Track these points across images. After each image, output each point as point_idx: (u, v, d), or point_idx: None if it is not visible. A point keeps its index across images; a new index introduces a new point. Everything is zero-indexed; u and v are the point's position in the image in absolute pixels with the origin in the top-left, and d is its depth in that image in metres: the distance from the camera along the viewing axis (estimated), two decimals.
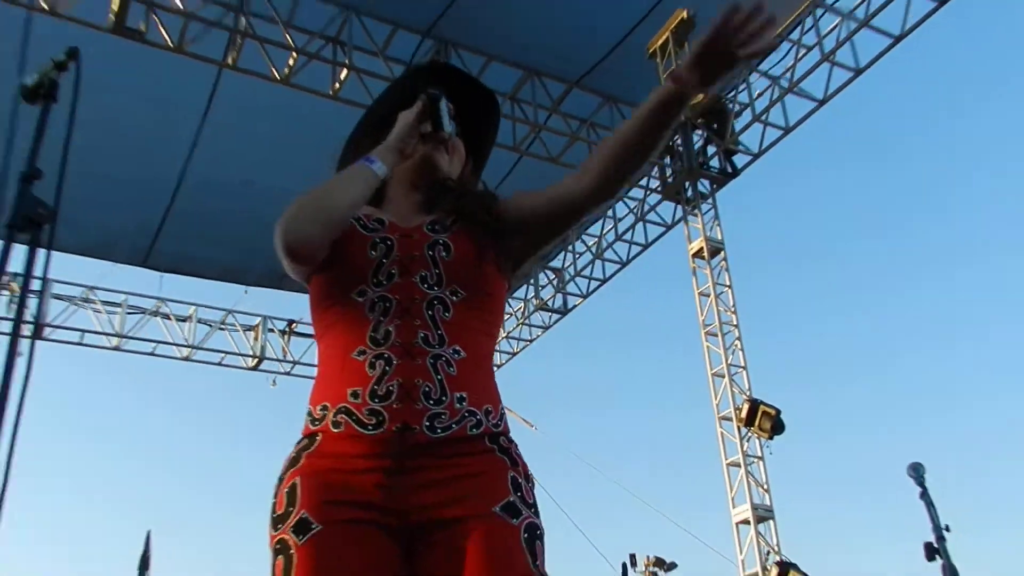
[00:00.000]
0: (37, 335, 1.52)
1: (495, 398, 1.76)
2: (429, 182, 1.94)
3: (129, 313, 12.85)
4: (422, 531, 1.58)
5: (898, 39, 9.13)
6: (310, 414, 1.71)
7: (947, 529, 3.54)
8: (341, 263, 1.75)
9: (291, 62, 8.84)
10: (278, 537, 1.58)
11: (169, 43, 8.25)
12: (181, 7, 8.26)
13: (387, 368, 1.64)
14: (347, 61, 8.94)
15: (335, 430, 1.63)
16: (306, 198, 1.75)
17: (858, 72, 9.54)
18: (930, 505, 3.61)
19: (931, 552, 3.51)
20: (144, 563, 4.92)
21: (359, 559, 1.54)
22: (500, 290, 1.86)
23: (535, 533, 1.61)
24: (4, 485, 1.44)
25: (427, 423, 1.60)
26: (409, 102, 1.96)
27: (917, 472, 3.68)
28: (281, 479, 1.66)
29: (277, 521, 1.60)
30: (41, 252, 1.63)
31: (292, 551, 1.54)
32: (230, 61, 8.57)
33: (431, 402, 1.62)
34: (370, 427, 1.60)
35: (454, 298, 1.74)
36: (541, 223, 1.93)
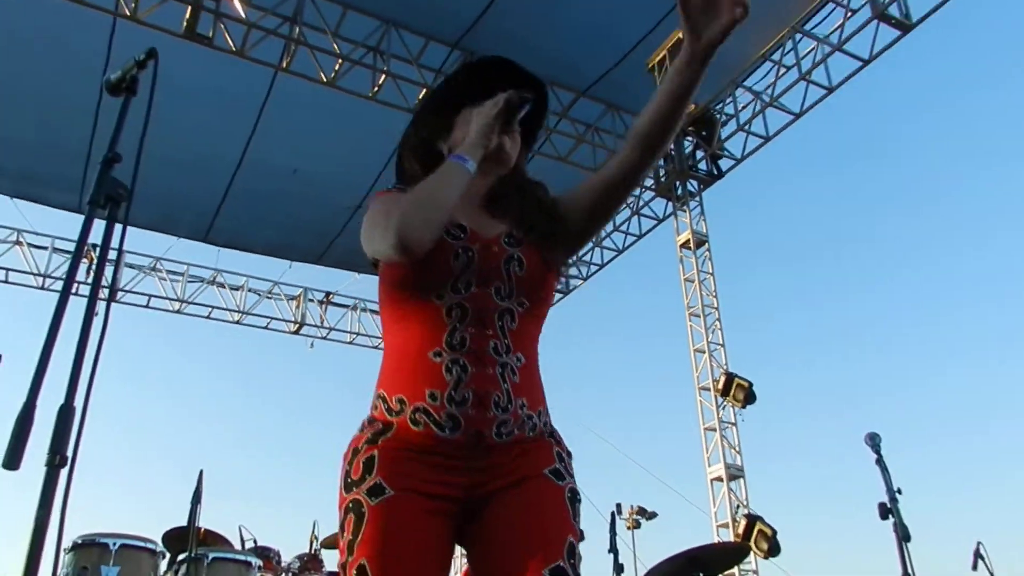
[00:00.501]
0: (111, 298, 1.55)
1: (543, 396, 1.75)
2: (496, 174, 1.86)
3: (189, 282, 12.95)
4: (485, 499, 1.63)
5: (867, 62, 9.16)
6: (385, 401, 1.67)
7: (899, 492, 3.56)
8: (425, 266, 1.65)
9: (337, 67, 8.88)
10: (352, 498, 1.58)
11: (232, 48, 8.33)
12: (244, 17, 8.34)
13: (463, 375, 1.61)
14: (385, 68, 8.99)
15: (414, 427, 1.61)
16: (415, 200, 1.62)
17: (831, 90, 9.57)
18: (884, 470, 3.62)
19: (884, 512, 3.53)
20: (196, 498, 5.04)
21: (425, 525, 1.57)
22: (551, 299, 1.84)
23: (575, 496, 1.67)
24: (81, 422, 1.49)
25: (495, 430, 1.62)
26: (475, 90, 1.86)
27: (873, 440, 3.70)
28: (357, 451, 1.64)
29: (351, 485, 1.60)
30: (117, 227, 1.68)
31: (364, 509, 1.55)
32: (284, 65, 8.63)
33: (499, 410, 1.62)
34: (447, 430, 1.59)
35: (520, 308, 1.71)
36: (599, 201, 1.83)
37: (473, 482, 1.62)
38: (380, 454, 1.61)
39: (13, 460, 1.44)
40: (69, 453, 1.47)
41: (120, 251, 1.64)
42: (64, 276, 1.63)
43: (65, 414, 1.50)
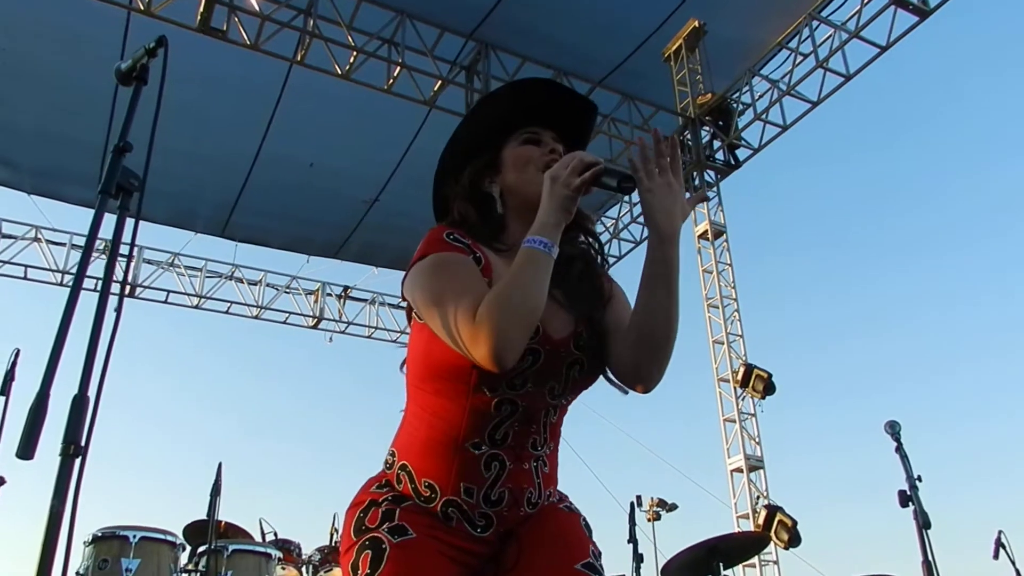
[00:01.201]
0: (125, 292, 1.51)
1: (557, 480, 1.75)
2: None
3: (208, 277, 12.99)
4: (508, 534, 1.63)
5: (884, 49, 9.07)
6: (412, 479, 1.60)
7: (919, 479, 3.54)
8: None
9: (351, 60, 8.86)
10: (368, 536, 1.53)
11: (247, 41, 8.32)
12: (258, 10, 8.34)
13: (500, 473, 1.57)
14: (400, 60, 8.96)
15: (446, 523, 1.57)
16: (509, 307, 1.41)
17: (848, 78, 9.48)
18: (904, 458, 3.59)
19: (904, 499, 3.52)
20: (215, 490, 5.05)
21: (446, 567, 1.53)
22: None
23: (588, 526, 1.70)
24: (94, 412, 1.48)
25: (521, 521, 1.63)
26: (516, 116, 1.74)
27: (893, 429, 3.67)
28: (375, 503, 1.59)
29: (367, 530, 1.54)
30: (131, 220, 1.65)
31: (385, 546, 1.49)
32: (299, 58, 8.62)
33: (530, 506, 1.62)
34: (479, 529, 1.58)
35: (564, 403, 1.66)
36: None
37: (494, 543, 1.63)
38: (402, 511, 1.57)
39: (27, 449, 1.44)
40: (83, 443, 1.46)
41: (132, 243, 1.62)
42: (90, 274, 1.60)
43: (79, 404, 1.50)
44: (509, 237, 1.67)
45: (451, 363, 1.53)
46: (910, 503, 3.41)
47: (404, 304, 1.70)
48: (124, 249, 1.66)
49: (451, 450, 1.57)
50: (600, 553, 1.65)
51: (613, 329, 1.66)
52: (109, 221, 1.63)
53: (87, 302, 1.51)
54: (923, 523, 3.34)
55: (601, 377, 1.66)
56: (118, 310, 1.59)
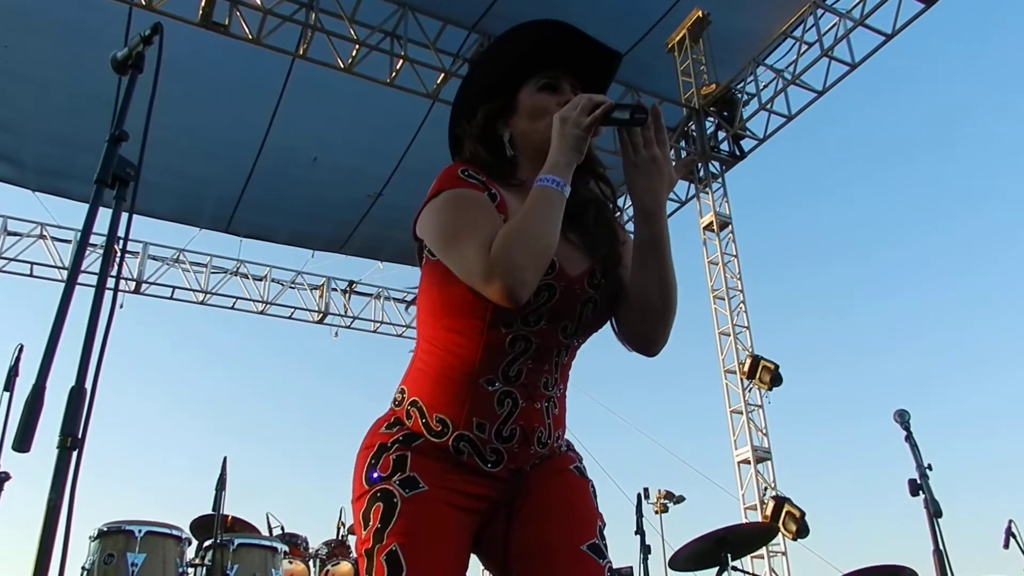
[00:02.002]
0: (118, 285, 1.49)
1: (566, 425, 1.75)
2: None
3: (213, 273, 13.00)
4: (519, 494, 1.64)
5: (890, 36, 9.00)
6: (422, 415, 1.60)
7: (929, 468, 3.51)
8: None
9: (354, 53, 8.83)
10: (379, 487, 1.52)
11: (249, 35, 8.30)
12: (259, 4, 8.31)
13: (513, 410, 1.57)
14: (403, 53, 8.93)
15: (457, 456, 1.57)
16: (522, 243, 1.41)
17: (854, 66, 9.41)
18: (914, 447, 3.56)
19: (915, 488, 3.48)
20: (221, 484, 5.06)
21: (455, 519, 1.54)
22: None
23: (595, 492, 1.72)
24: (90, 403, 1.48)
25: (532, 463, 1.63)
26: (536, 61, 1.71)
27: (903, 418, 3.65)
28: (385, 447, 1.57)
29: (379, 479, 1.53)
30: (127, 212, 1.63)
31: (396, 499, 1.49)
32: (301, 52, 8.59)
33: (540, 446, 1.62)
34: (490, 464, 1.58)
35: (575, 343, 1.67)
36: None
37: (505, 488, 1.63)
38: (413, 455, 1.55)
39: (23, 442, 1.43)
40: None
41: (127, 234, 1.60)
42: (92, 270, 1.59)
43: (76, 396, 1.49)
44: (522, 175, 1.67)
45: (466, 299, 1.52)
46: (920, 492, 3.38)
47: (415, 245, 1.69)
48: (124, 247, 1.64)
49: (464, 386, 1.57)
50: (605, 525, 1.67)
51: (624, 282, 1.67)
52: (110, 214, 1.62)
53: (87, 295, 1.50)
54: (934, 512, 3.31)
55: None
56: (113, 300, 1.57)
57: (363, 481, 1.55)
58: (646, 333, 1.64)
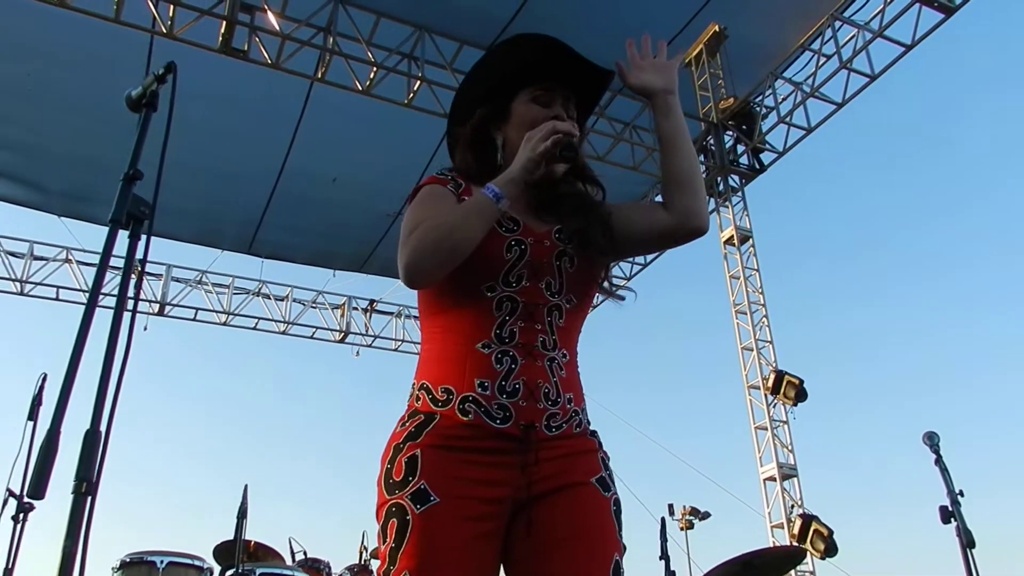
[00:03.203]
0: (133, 326, 1.51)
1: (583, 394, 1.73)
2: (542, 183, 1.74)
3: (235, 294, 13.09)
4: (531, 501, 1.58)
5: (909, 47, 8.91)
6: (428, 392, 1.63)
7: (961, 494, 3.40)
8: (478, 259, 1.61)
9: (372, 75, 8.87)
10: (394, 501, 1.52)
11: (268, 60, 8.37)
12: (278, 29, 8.37)
13: (512, 366, 1.59)
14: (420, 74, 8.96)
15: (463, 417, 1.57)
16: (432, 232, 1.57)
17: (873, 78, 9.32)
18: (944, 471, 3.45)
19: (946, 515, 3.38)
20: (242, 513, 5.04)
21: (471, 534, 1.51)
22: (593, 298, 1.82)
23: (619, 508, 1.65)
24: (104, 448, 1.47)
25: (545, 422, 1.59)
26: (529, 73, 1.82)
27: (932, 440, 3.55)
28: (399, 448, 1.58)
29: (394, 487, 1.54)
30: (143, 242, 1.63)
31: (409, 517, 1.49)
32: (320, 75, 8.64)
33: (549, 403, 1.60)
34: (498, 421, 1.56)
35: (568, 305, 1.69)
36: (628, 242, 1.80)
37: (521, 482, 1.57)
38: (423, 453, 1.55)
39: (38, 488, 1.43)
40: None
41: (143, 269, 1.60)
42: (113, 292, 1.60)
43: (91, 439, 1.47)
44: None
45: (450, 275, 1.61)
46: (952, 519, 3.26)
47: None
48: (138, 293, 1.65)
49: (462, 354, 1.62)
50: (624, 552, 1.62)
51: (627, 222, 1.79)
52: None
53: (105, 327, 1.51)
54: (967, 542, 3.18)
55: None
56: (128, 338, 1.57)
57: (382, 489, 1.57)
58: (686, 205, 1.74)
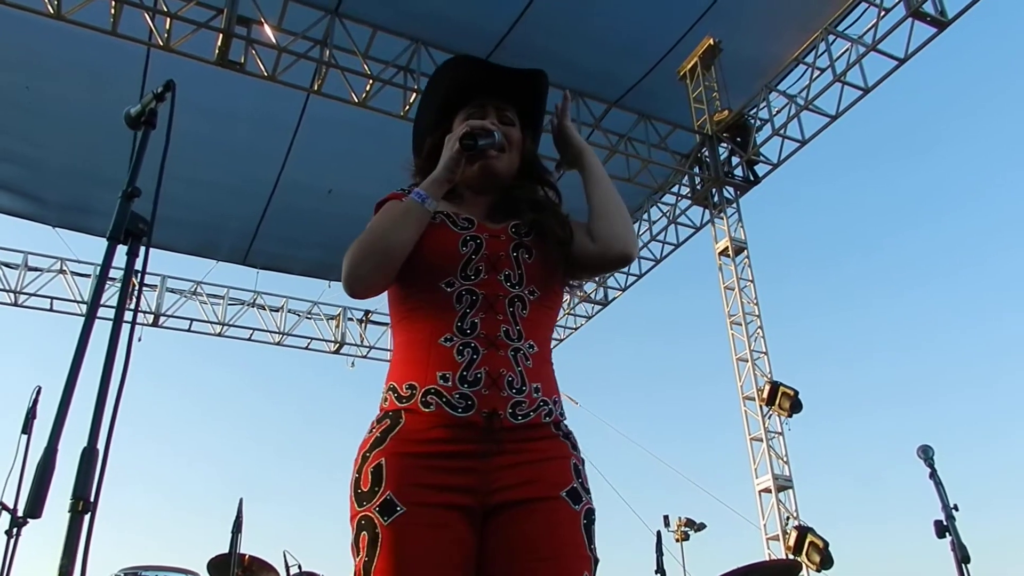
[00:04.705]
0: (131, 346, 1.53)
1: (557, 389, 1.72)
2: (494, 189, 1.86)
3: (230, 304, 13.05)
4: (497, 510, 1.55)
5: (902, 61, 8.96)
6: (394, 390, 1.64)
7: (956, 508, 3.38)
8: (433, 255, 1.67)
9: (368, 88, 8.89)
10: (363, 513, 1.53)
11: (264, 72, 8.38)
12: (274, 42, 8.39)
13: (474, 356, 1.59)
14: (416, 86, 8.96)
15: (425, 409, 1.57)
16: (364, 242, 1.67)
17: (866, 91, 9.36)
18: (939, 485, 3.44)
19: (941, 530, 3.36)
20: (237, 527, 5.02)
21: (439, 541, 1.50)
22: (561, 293, 1.84)
23: (591, 518, 1.61)
24: (103, 466, 1.47)
25: (510, 410, 1.57)
26: (460, 93, 1.89)
27: (926, 454, 3.53)
28: (366, 457, 1.58)
29: (362, 498, 1.54)
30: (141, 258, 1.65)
31: (377, 530, 1.49)
32: (316, 87, 8.66)
33: (514, 391, 1.59)
34: (460, 410, 1.55)
35: (531, 297, 1.70)
36: (575, 270, 1.83)
37: (484, 484, 1.55)
38: (388, 461, 1.55)
39: (35, 507, 1.42)
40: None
41: (142, 283, 1.60)
42: (111, 304, 1.60)
43: (88, 457, 1.47)
44: (461, 191, 1.87)
45: (404, 280, 1.69)
46: (947, 534, 3.25)
47: None
48: (136, 307, 1.65)
49: (424, 349, 1.63)
50: (596, 560, 1.58)
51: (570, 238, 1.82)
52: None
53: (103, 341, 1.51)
54: (961, 557, 3.17)
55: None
56: (126, 357, 1.56)
57: (352, 500, 1.57)
58: (612, 232, 1.78)
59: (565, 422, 1.70)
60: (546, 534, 1.54)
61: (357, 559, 1.53)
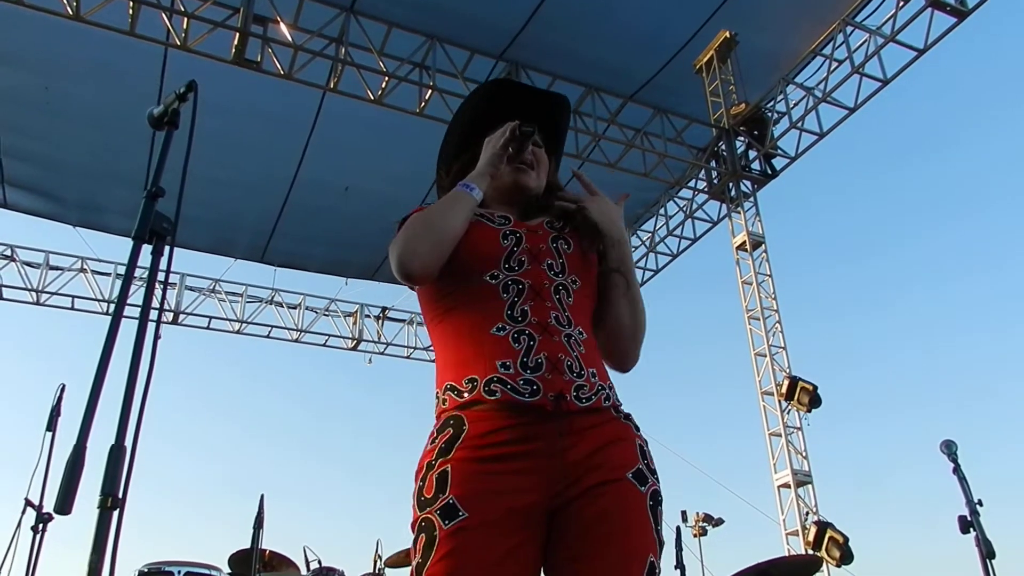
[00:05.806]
0: (156, 346, 1.55)
1: (607, 373, 1.72)
2: (523, 201, 1.88)
3: (248, 302, 13.14)
4: (565, 505, 1.53)
5: (922, 52, 8.90)
6: (453, 389, 1.61)
7: (980, 504, 3.34)
8: (476, 248, 1.69)
9: (383, 85, 8.91)
10: (424, 516, 1.51)
11: (281, 71, 8.42)
12: (291, 41, 8.43)
13: (531, 343, 1.58)
14: (431, 83, 9.00)
15: (490, 397, 1.54)
16: (417, 225, 1.68)
17: (885, 82, 9.31)
18: (963, 480, 3.40)
19: (965, 526, 3.32)
20: (258, 523, 5.04)
21: (501, 548, 1.47)
22: (596, 284, 1.82)
23: (657, 499, 1.59)
24: (131, 462, 1.48)
25: (574, 393, 1.56)
26: (488, 116, 1.91)
27: (950, 449, 3.49)
28: (431, 466, 1.55)
29: (425, 504, 1.52)
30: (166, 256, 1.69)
31: (436, 532, 1.47)
32: (332, 85, 8.69)
33: (574, 375, 1.58)
34: (527, 395, 1.53)
35: (574, 286, 1.71)
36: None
37: (551, 484, 1.52)
38: (453, 467, 1.51)
39: (65, 504, 1.43)
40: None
41: (167, 281, 1.63)
42: (133, 303, 1.62)
43: (116, 454, 1.49)
44: (489, 204, 1.86)
45: (445, 276, 1.68)
46: (971, 530, 3.21)
47: None
48: (162, 305, 1.68)
49: (478, 343, 1.62)
50: (662, 544, 1.58)
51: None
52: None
53: (129, 340, 1.52)
54: (987, 553, 3.14)
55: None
56: (152, 355, 1.58)
57: (415, 506, 1.55)
58: (622, 350, 1.81)
59: (624, 411, 1.69)
60: (614, 517, 1.52)
61: (413, 561, 1.52)
